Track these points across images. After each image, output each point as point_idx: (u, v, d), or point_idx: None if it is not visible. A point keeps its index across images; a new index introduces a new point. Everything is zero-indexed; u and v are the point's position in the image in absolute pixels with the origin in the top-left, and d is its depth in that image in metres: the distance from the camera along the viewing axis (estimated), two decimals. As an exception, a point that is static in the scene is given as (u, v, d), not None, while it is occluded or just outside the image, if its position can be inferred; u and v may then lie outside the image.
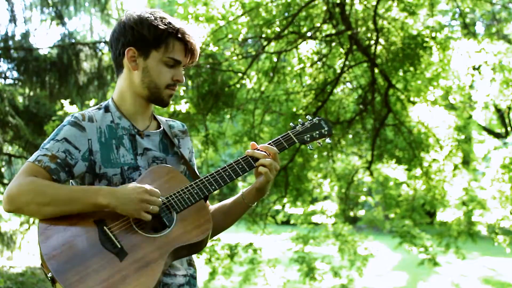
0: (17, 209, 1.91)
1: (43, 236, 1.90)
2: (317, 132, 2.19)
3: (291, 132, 2.17)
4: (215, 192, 2.13)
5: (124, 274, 1.85)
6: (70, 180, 2.09)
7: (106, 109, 2.10)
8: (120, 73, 2.11)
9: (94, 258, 1.87)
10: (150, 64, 2.02)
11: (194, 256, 2.18)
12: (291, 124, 2.21)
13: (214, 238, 8.93)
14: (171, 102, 2.16)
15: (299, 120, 2.23)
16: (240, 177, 2.13)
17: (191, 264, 2.14)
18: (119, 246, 1.89)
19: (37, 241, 1.90)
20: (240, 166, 2.07)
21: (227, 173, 2.05)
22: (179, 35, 2.02)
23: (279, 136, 2.16)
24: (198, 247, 2.00)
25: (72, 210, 1.89)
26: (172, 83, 2.05)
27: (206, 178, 2.04)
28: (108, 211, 1.92)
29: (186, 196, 1.99)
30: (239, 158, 2.10)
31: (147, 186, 1.92)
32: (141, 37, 2.01)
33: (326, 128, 2.21)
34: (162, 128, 2.16)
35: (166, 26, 2.01)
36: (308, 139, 2.17)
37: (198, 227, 1.98)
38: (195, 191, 2.01)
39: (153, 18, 2.02)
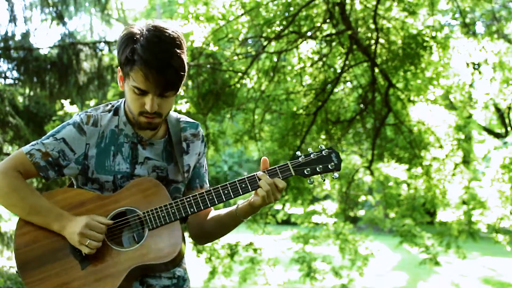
0: None
1: (19, 231, 1.99)
2: (321, 166, 2.02)
3: (290, 162, 2.03)
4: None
5: (82, 283, 1.91)
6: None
7: (116, 112, 2.08)
8: None
9: (58, 262, 1.94)
10: (126, 89, 1.97)
11: (192, 255, 2.17)
12: (297, 153, 2.06)
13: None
14: (158, 125, 2.02)
15: (309, 149, 2.07)
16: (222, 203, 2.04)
17: (180, 265, 2.13)
18: (83, 254, 1.94)
19: (14, 234, 1.99)
20: (226, 191, 1.98)
21: (210, 197, 1.99)
22: (141, 66, 1.84)
23: (276, 166, 2.02)
24: (163, 267, 1.96)
25: (31, 220, 1.97)
26: (143, 110, 1.93)
27: (188, 199, 1.98)
28: None
29: (163, 214, 1.95)
30: (231, 181, 2.02)
31: (93, 221, 1.91)
32: (118, 60, 1.96)
33: (334, 163, 2.03)
34: (166, 136, 2.11)
35: (126, 55, 1.87)
36: (308, 173, 2.02)
37: (163, 249, 1.93)
38: (173, 210, 1.96)
39: (123, 41, 1.90)
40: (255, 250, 9.19)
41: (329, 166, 2.03)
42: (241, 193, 1.99)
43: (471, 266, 14.14)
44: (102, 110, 2.09)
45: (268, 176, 1.98)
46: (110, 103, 2.13)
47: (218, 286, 10.48)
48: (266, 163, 2.03)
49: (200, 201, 1.98)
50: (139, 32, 1.89)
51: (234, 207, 2.08)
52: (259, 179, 1.98)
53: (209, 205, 1.98)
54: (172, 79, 1.87)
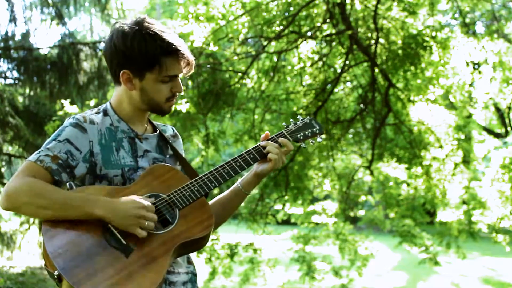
0: (14, 208, 1.91)
1: (47, 235, 1.91)
2: (309, 130, 2.25)
3: (285, 130, 2.22)
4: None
5: (131, 270, 1.87)
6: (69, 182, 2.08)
7: (105, 112, 2.12)
8: (118, 85, 2.11)
9: (99, 256, 1.88)
10: (146, 85, 2.03)
11: (193, 255, 2.20)
12: (283, 124, 2.27)
13: (213, 235, 8.98)
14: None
15: (291, 120, 2.29)
16: (239, 174, 2.18)
17: (190, 261, 2.18)
18: (125, 243, 1.90)
19: (42, 240, 1.91)
20: (238, 164, 2.11)
21: (225, 170, 2.10)
22: (171, 52, 2.00)
23: (273, 135, 2.20)
24: (201, 243, 2.04)
25: (67, 216, 1.89)
26: (171, 95, 2.09)
27: (206, 176, 2.08)
28: None
29: (188, 193, 2.03)
30: (248, 149, 2.16)
31: (145, 202, 1.92)
32: (133, 60, 1.99)
33: (317, 127, 2.26)
34: (158, 131, 2.21)
35: (155, 46, 1.97)
36: (302, 137, 2.23)
37: (200, 223, 2.02)
38: (196, 188, 2.05)
39: (140, 37, 1.97)
40: (255, 250, 9.18)
41: (315, 130, 2.26)
42: (252, 163, 2.13)
43: (471, 266, 14.14)
44: (91, 113, 2.12)
45: (273, 142, 2.16)
46: (96, 108, 2.17)
47: (218, 286, 10.48)
48: (268, 136, 2.21)
49: (217, 175, 2.09)
50: (145, 26, 2.00)
51: (235, 185, 2.22)
52: (264, 148, 2.15)
53: (227, 178, 2.09)
54: (191, 55, 2.08)
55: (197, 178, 2.08)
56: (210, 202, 2.26)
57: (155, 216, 1.92)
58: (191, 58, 2.07)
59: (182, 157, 2.22)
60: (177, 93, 2.10)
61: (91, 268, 1.86)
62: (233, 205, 2.25)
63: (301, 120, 2.27)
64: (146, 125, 2.19)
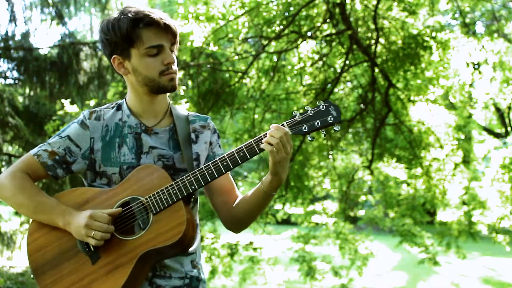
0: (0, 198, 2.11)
1: (30, 237, 2.05)
2: (320, 120, 1.89)
3: (286, 122, 1.92)
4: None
5: (93, 277, 1.93)
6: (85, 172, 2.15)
7: (119, 107, 2.14)
8: (122, 78, 2.16)
9: (69, 261, 1.97)
10: (135, 63, 2.01)
11: (202, 257, 2.14)
12: (293, 112, 1.94)
13: (213, 234, 8.97)
14: (177, 85, 2.08)
15: (306, 107, 1.93)
16: (228, 172, 1.96)
17: (195, 266, 2.11)
18: (93, 249, 1.95)
19: (26, 241, 2.05)
20: (225, 163, 1.93)
21: (209, 171, 1.94)
22: (145, 22, 1.96)
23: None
24: (171, 251, 1.93)
25: (38, 218, 2.05)
26: (164, 68, 2.00)
27: (188, 177, 1.94)
28: None
29: (165, 197, 1.93)
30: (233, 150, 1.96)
31: (97, 212, 1.92)
32: (114, 43, 2.00)
33: (333, 115, 1.89)
34: (172, 125, 2.12)
35: (128, 21, 1.96)
36: (306, 130, 1.90)
37: (169, 231, 1.90)
38: (174, 191, 1.93)
39: (116, 19, 2.00)
40: (255, 249, 9.19)
41: (328, 119, 1.89)
42: (240, 162, 1.91)
43: (471, 266, 14.14)
44: (106, 106, 2.16)
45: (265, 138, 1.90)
46: (115, 102, 2.19)
47: (219, 285, 10.48)
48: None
49: (200, 177, 1.94)
50: (121, 12, 2.01)
51: (258, 184, 2.01)
52: (258, 144, 1.90)
53: (210, 180, 1.93)
54: (174, 26, 2.01)
55: (178, 180, 1.95)
56: (237, 200, 2.11)
57: (102, 224, 1.90)
58: (172, 24, 1.99)
59: (193, 154, 2.09)
60: (171, 65, 2.01)
61: (59, 273, 1.97)
62: (257, 204, 2.02)
63: (315, 107, 1.92)
64: (161, 118, 2.12)
